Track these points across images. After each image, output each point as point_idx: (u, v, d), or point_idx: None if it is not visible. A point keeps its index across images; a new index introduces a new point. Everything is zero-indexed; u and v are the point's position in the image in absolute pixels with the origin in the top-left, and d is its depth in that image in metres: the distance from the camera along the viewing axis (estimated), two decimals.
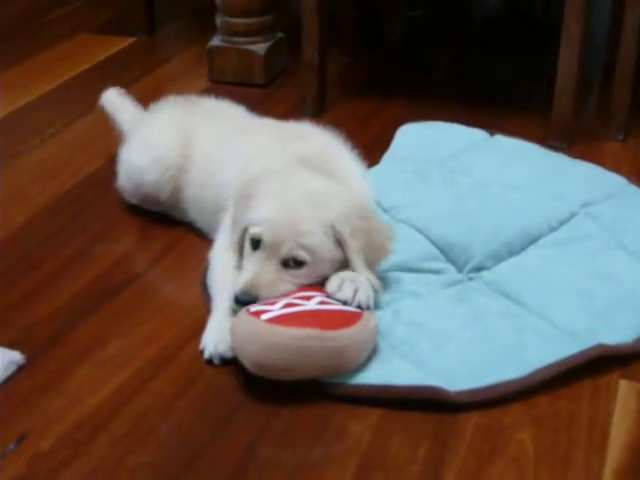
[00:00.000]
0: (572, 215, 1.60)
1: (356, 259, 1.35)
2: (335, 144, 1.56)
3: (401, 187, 1.68)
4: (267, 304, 1.28)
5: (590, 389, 1.29)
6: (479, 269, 1.50)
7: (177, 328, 1.41)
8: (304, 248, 1.32)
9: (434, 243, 1.53)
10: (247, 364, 1.26)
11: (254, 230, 1.34)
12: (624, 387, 1.29)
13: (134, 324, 1.42)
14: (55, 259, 1.59)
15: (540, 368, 1.27)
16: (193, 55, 2.45)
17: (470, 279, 1.49)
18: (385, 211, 1.62)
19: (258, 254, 1.34)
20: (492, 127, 1.93)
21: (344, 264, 1.36)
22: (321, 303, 1.29)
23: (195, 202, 1.60)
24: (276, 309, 1.26)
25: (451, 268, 1.51)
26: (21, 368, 1.32)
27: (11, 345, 1.35)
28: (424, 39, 2.58)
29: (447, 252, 1.52)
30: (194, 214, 1.62)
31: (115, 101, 1.86)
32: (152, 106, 1.76)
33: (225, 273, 1.41)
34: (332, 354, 1.24)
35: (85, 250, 1.61)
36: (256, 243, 1.34)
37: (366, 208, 1.42)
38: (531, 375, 1.27)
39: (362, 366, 1.28)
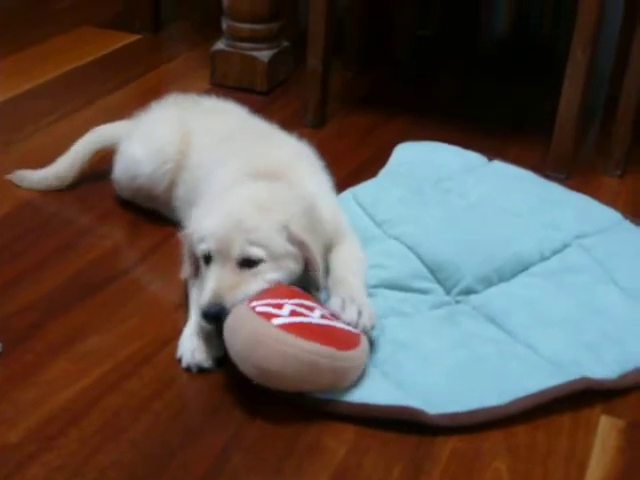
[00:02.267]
0: (565, 246, 1.59)
1: (316, 255, 1.33)
2: (303, 158, 1.54)
3: (395, 202, 1.66)
4: (273, 307, 1.25)
5: (570, 422, 1.27)
6: (468, 292, 1.49)
7: (158, 328, 1.40)
8: (254, 244, 1.29)
9: (424, 262, 1.52)
10: (247, 366, 1.22)
11: (202, 247, 1.32)
12: (605, 423, 1.27)
13: (114, 321, 1.41)
14: (39, 250, 1.57)
15: (522, 397, 1.26)
16: (197, 57, 2.44)
17: (458, 302, 1.48)
18: (378, 225, 1.61)
19: (212, 266, 1.30)
20: (491, 152, 1.92)
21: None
22: (323, 317, 1.28)
23: (185, 202, 1.59)
24: (285, 315, 1.23)
25: (439, 289, 1.49)
26: None
27: None
28: (431, 59, 2.57)
29: (436, 272, 1.51)
30: (183, 214, 1.60)
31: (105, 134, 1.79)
32: (153, 104, 1.75)
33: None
34: (337, 373, 1.23)
35: (71, 242, 1.59)
36: (207, 258, 1.32)
37: (315, 209, 1.39)
38: (512, 403, 1.25)
39: None
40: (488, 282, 1.50)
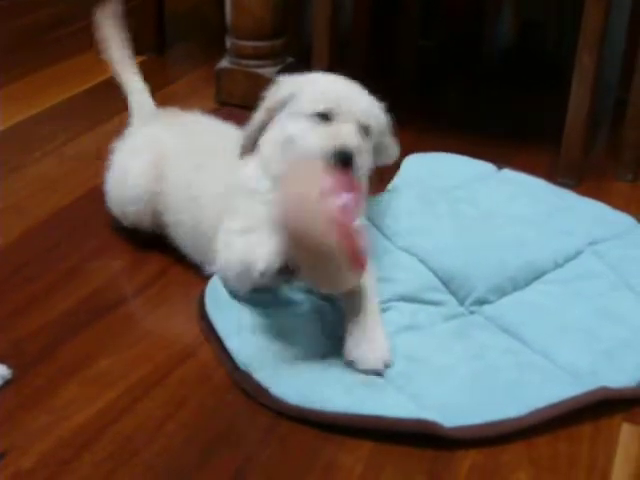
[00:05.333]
0: (578, 252, 1.58)
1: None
2: None
3: (405, 214, 1.65)
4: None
5: (591, 431, 1.25)
6: (481, 302, 1.47)
7: (168, 350, 1.38)
8: (372, 116, 1.40)
9: (435, 273, 1.50)
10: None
11: (319, 106, 1.35)
12: (627, 431, 1.25)
13: (124, 344, 1.39)
14: (48, 274, 1.56)
15: (540, 408, 1.24)
16: (202, 76, 2.43)
17: (471, 312, 1.46)
18: (387, 238, 1.59)
19: (335, 123, 1.35)
20: (500, 161, 1.91)
21: None
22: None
23: (177, 227, 1.55)
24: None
25: (452, 300, 1.47)
26: (7, 382, 1.29)
27: None
28: (435, 69, 2.56)
29: (448, 283, 1.49)
30: (179, 240, 1.56)
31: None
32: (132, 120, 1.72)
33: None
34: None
35: (79, 267, 1.58)
36: (324, 116, 1.36)
37: None
38: (531, 414, 1.23)
39: (355, 396, 1.24)
40: (501, 291, 1.48)
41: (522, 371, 1.31)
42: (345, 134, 1.34)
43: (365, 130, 1.39)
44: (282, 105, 1.42)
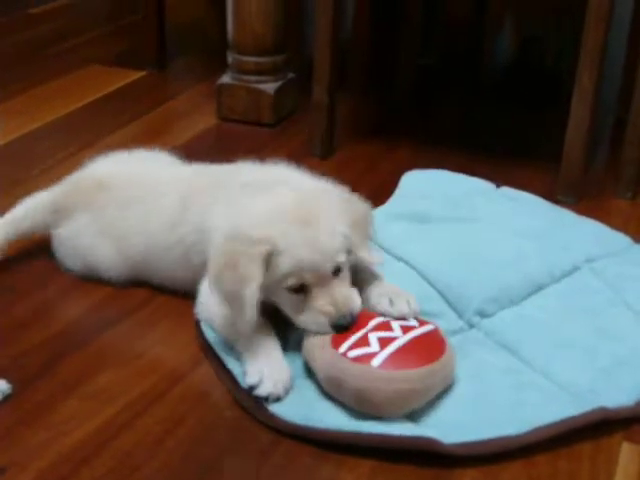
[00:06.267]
0: (575, 268, 1.58)
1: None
2: None
3: (402, 227, 1.65)
4: (361, 345, 1.27)
5: (591, 450, 1.25)
6: (480, 315, 1.47)
7: (169, 365, 1.38)
8: (338, 252, 1.33)
9: (433, 285, 1.50)
10: (368, 410, 1.24)
11: (290, 283, 1.30)
12: (626, 450, 1.25)
13: (125, 359, 1.39)
14: (48, 289, 1.56)
15: (540, 427, 1.24)
16: (203, 91, 2.44)
17: (471, 326, 1.46)
18: (384, 249, 1.59)
19: (314, 289, 1.31)
20: (499, 179, 1.91)
21: None
22: (402, 328, 1.31)
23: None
24: (377, 350, 1.25)
25: (451, 313, 1.47)
26: (7, 398, 1.29)
27: None
28: (434, 87, 2.57)
29: (445, 294, 1.49)
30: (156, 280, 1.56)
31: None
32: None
33: None
34: (444, 379, 1.28)
35: (79, 282, 1.58)
36: (299, 288, 1.32)
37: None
38: (530, 433, 1.23)
39: (355, 414, 1.25)
40: (499, 304, 1.48)
41: (522, 390, 1.30)
42: (329, 301, 1.31)
43: (341, 265, 1.34)
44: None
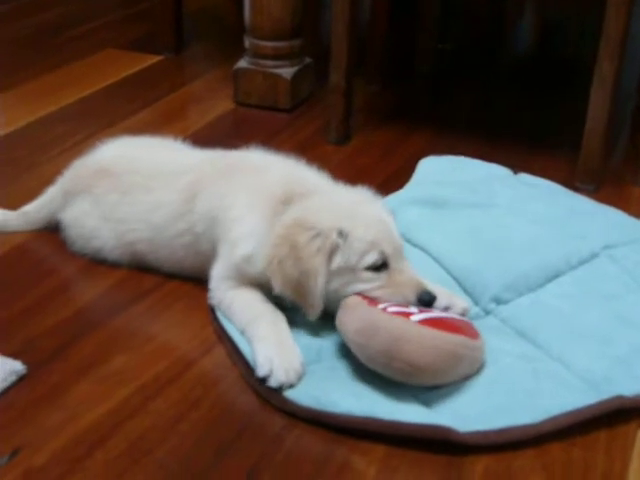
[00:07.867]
0: (593, 256, 1.57)
1: None
2: None
3: (418, 213, 1.65)
4: (399, 307, 1.28)
5: (606, 438, 1.24)
6: (497, 302, 1.46)
7: (183, 349, 1.38)
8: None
9: (449, 271, 1.50)
10: (395, 365, 1.23)
11: (371, 257, 1.32)
12: None
13: (139, 342, 1.39)
14: (63, 272, 1.57)
15: (555, 415, 1.23)
16: (220, 76, 2.44)
17: (487, 313, 1.45)
18: (401, 236, 1.58)
19: (394, 266, 1.33)
20: (516, 165, 1.90)
21: None
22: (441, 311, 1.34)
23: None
24: (417, 312, 1.27)
25: (467, 299, 1.46)
26: (22, 379, 1.29)
27: (13, 356, 1.32)
28: (452, 73, 2.56)
29: (462, 281, 1.49)
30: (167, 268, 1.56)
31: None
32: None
33: (252, 302, 1.38)
34: (473, 362, 1.28)
35: (92, 265, 1.58)
36: (380, 265, 1.33)
37: None
38: (545, 421, 1.22)
39: (368, 399, 1.24)
40: (516, 290, 1.47)
41: (537, 378, 1.29)
42: (412, 282, 1.34)
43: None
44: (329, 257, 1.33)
